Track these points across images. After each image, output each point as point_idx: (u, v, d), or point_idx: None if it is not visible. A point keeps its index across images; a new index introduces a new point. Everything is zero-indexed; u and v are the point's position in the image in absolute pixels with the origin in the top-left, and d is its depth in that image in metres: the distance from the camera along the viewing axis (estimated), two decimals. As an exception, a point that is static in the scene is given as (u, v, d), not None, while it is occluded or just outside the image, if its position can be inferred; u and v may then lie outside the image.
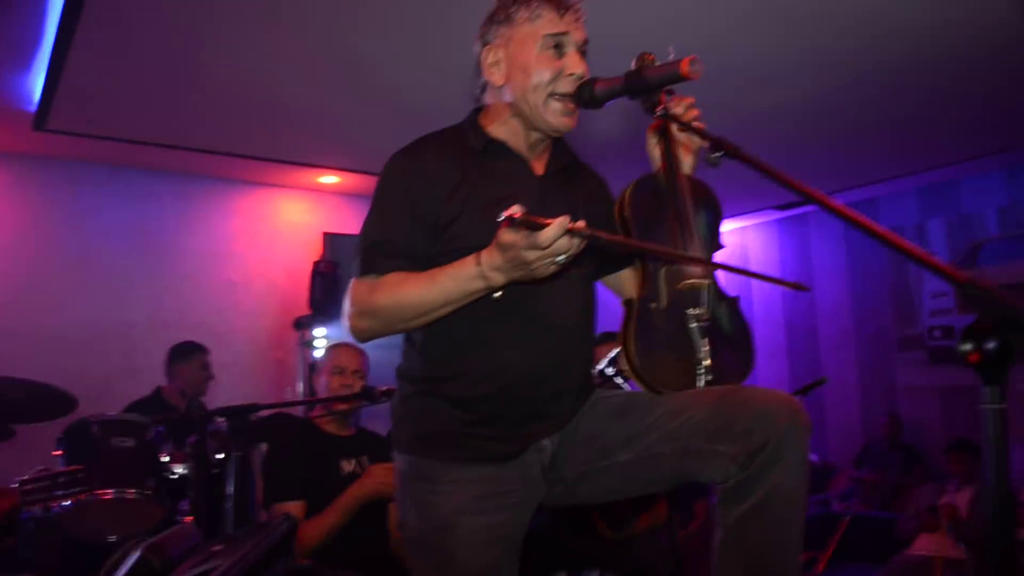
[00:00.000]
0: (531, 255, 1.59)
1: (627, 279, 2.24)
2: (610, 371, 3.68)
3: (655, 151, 2.12)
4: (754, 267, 9.00)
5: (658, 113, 1.69)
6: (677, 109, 1.95)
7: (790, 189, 1.41)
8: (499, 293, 1.74)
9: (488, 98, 2.07)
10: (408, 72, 4.63)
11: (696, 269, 1.97)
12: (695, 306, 1.92)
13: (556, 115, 1.95)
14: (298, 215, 7.12)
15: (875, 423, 7.61)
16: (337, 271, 6.47)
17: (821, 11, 3.98)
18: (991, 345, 1.23)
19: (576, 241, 1.58)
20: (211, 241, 6.68)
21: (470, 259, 1.72)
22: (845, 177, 7.25)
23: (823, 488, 7.56)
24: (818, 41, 4.31)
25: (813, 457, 7.82)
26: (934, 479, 6.48)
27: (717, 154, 1.56)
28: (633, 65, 2.02)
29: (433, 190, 1.91)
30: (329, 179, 6.91)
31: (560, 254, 1.58)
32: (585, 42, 1.98)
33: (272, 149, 6.07)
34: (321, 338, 6.36)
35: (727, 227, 9.05)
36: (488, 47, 2.01)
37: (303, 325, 6.48)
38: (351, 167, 6.55)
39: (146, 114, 5.20)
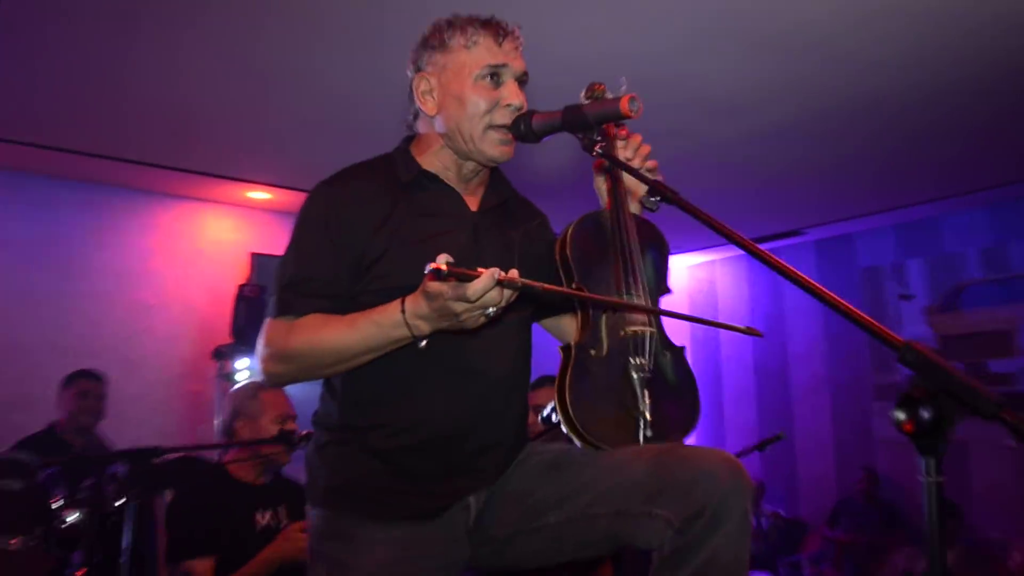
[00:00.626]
0: (458, 307, 1.63)
1: (567, 323, 2.28)
2: (556, 418, 3.74)
3: (602, 188, 2.18)
4: (723, 304, 9.12)
5: (596, 152, 1.75)
6: (625, 152, 2.02)
7: (726, 238, 1.47)
8: (425, 342, 1.78)
9: (420, 127, 2.12)
10: (346, 83, 4.66)
11: (640, 315, 2.02)
12: (637, 355, 1.96)
13: (493, 145, 2.00)
14: (223, 233, 7.09)
15: (851, 478, 7.69)
16: (264, 296, 6.43)
17: (792, 35, 4.10)
18: (926, 414, 1.28)
19: (508, 293, 1.62)
20: (124, 258, 6.61)
21: (394, 305, 1.76)
22: (819, 212, 7.40)
23: (794, 549, 7.63)
24: (790, 67, 4.41)
25: (782, 512, 7.90)
26: (914, 541, 6.54)
27: (655, 198, 1.62)
28: (583, 95, 2.08)
29: (357, 224, 1.94)
30: (258, 195, 6.89)
31: (490, 306, 1.63)
32: (524, 73, 2.04)
33: (197, 160, 6.04)
34: (243, 370, 6.30)
35: (693, 260, 9.18)
36: (420, 75, 2.05)
37: (223, 355, 6.42)
38: (283, 183, 6.55)
39: (55, 117, 5.16)
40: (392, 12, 3.83)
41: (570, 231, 2.04)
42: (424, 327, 1.73)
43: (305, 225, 1.99)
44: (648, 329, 1.99)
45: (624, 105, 1.72)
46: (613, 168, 2.07)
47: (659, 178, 2.09)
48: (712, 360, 9.09)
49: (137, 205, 6.73)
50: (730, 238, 1.53)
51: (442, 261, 1.52)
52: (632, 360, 1.94)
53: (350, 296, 1.94)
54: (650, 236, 2.14)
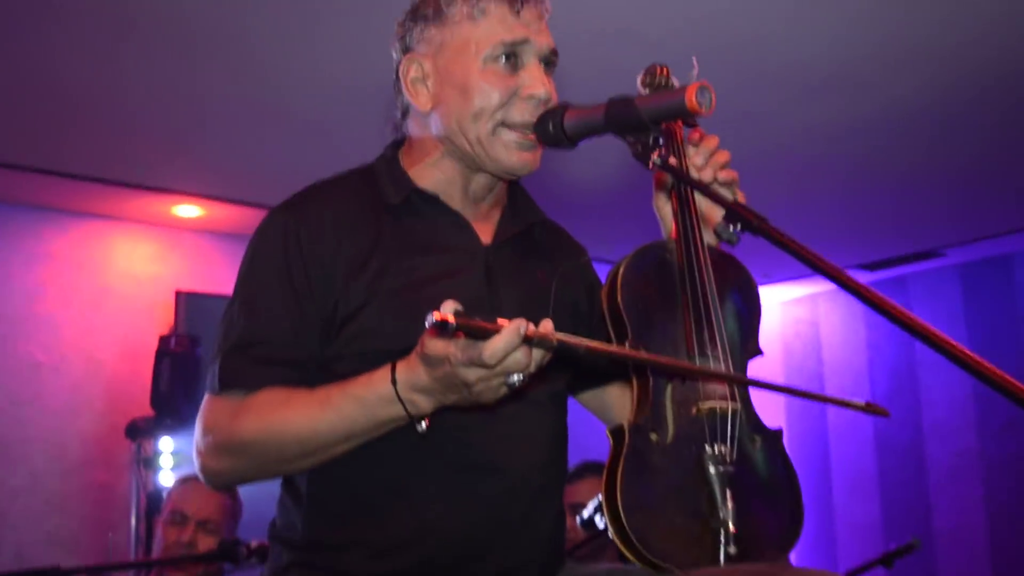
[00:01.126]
0: (472, 374, 1.62)
1: (615, 398, 2.27)
2: (600, 521, 3.72)
3: (665, 210, 2.18)
4: (830, 353, 9.08)
5: (654, 162, 1.75)
6: (695, 160, 2.01)
7: (830, 278, 1.47)
8: (424, 424, 1.77)
9: (412, 127, 2.13)
10: (301, 59, 4.69)
11: (720, 386, 2.01)
12: (716, 442, 1.95)
13: (509, 150, 2.00)
14: (140, 263, 7.11)
15: (1013, 595, 7.63)
16: (196, 350, 6.46)
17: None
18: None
19: (539, 354, 1.61)
20: (2, 298, 6.64)
21: (382, 374, 1.75)
22: (964, 225, 7.39)
23: None
24: (920, 24, 4.43)
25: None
26: None
27: (734, 227, 1.61)
28: (639, 82, 2.09)
29: (329, 265, 1.95)
30: (188, 210, 6.92)
31: (514, 373, 1.62)
32: (553, 52, 2.04)
33: (102, 164, 6.07)
34: (168, 454, 6.31)
35: (789, 293, 9.15)
36: (410, 56, 2.06)
37: (141, 432, 6.42)
38: (219, 194, 6.57)
39: None
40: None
41: (621, 271, 2.04)
42: (424, 403, 1.73)
43: (257, 266, 2.00)
44: (731, 405, 1.99)
45: (691, 98, 1.72)
46: (680, 185, 2.07)
47: (740, 197, 2.09)
48: (817, 433, 9.03)
49: (19, 225, 6.75)
50: (835, 278, 1.53)
51: (448, 310, 1.51)
52: (708, 449, 1.94)
53: (319, 363, 1.94)
54: (734, 277, 2.14)
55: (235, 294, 2.00)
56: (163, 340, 6.44)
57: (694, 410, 1.98)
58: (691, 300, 2.01)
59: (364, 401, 1.77)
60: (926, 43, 4.58)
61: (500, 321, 1.55)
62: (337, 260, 1.94)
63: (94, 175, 6.24)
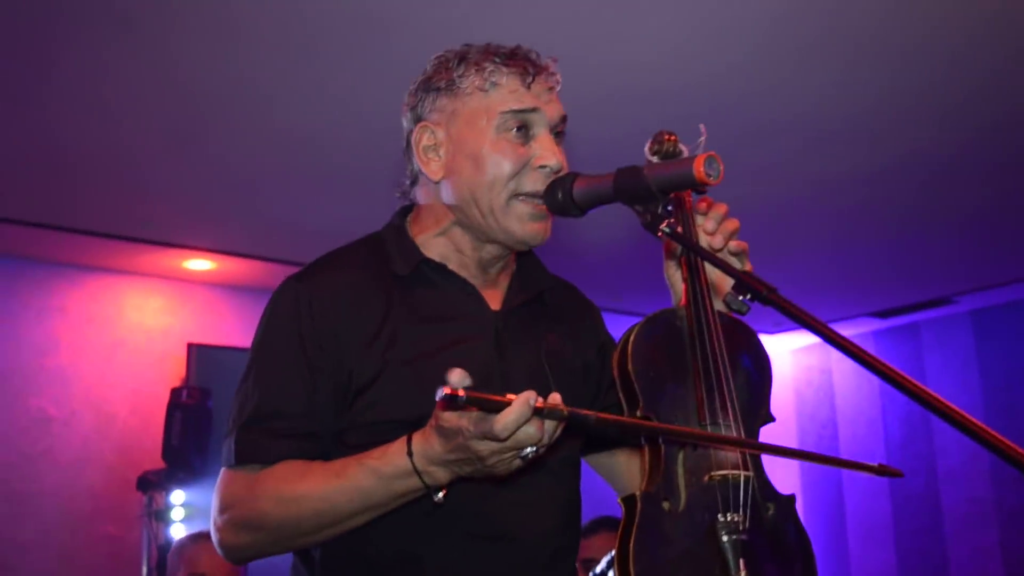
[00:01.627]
0: (484, 447, 1.61)
1: (624, 464, 2.26)
2: (612, 577, 3.69)
3: (675, 278, 2.18)
4: (843, 402, 9.05)
5: (662, 231, 1.75)
6: (707, 225, 2.01)
7: (835, 345, 1.47)
8: (442, 495, 1.76)
9: (421, 195, 2.13)
10: (312, 118, 4.71)
11: (732, 454, 2.00)
12: (729, 510, 1.94)
13: (522, 221, 2.00)
14: (151, 316, 7.13)
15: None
16: (208, 403, 6.46)
17: (933, 39, 4.13)
18: None
19: (551, 426, 1.60)
20: (13, 353, 6.64)
21: (398, 446, 1.74)
22: (975, 273, 7.37)
23: None
24: (927, 81, 4.44)
25: None
26: None
27: (743, 296, 1.61)
28: (648, 148, 2.09)
29: (342, 336, 1.94)
30: (199, 264, 6.94)
31: (527, 445, 1.61)
32: (563, 120, 2.04)
33: (113, 219, 6.09)
34: (179, 507, 6.30)
35: (800, 341, 9.14)
36: (423, 124, 2.06)
37: (152, 485, 6.41)
38: (230, 248, 6.61)
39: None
40: (384, 33, 3.88)
41: (632, 339, 2.01)
42: (440, 475, 1.72)
43: (270, 338, 2.00)
44: (743, 473, 1.97)
45: (699, 169, 1.72)
46: (690, 253, 2.06)
47: (748, 267, 2.09)
48: (831, 481, 8.98)
49: (31, 280, 6.78)
50: (847, 349, 1.52)
51: (457, 382, 1.49)
52: (721, 517, 1.91)
53: (333, 434, 1.94)
54: (745, 344, 2.12)
55: (249, 366, 2.00)
56: (174, 392, 6.45)
57: (706, 478, 1.95)
58: (702, 368, 1.98)
59: (381, 473, 1.76)
60: (934, 93, 4.58)
61: (509, 396, 1.54)
62: (349, 331, 1.95)
63: (106, 231, 6.26)
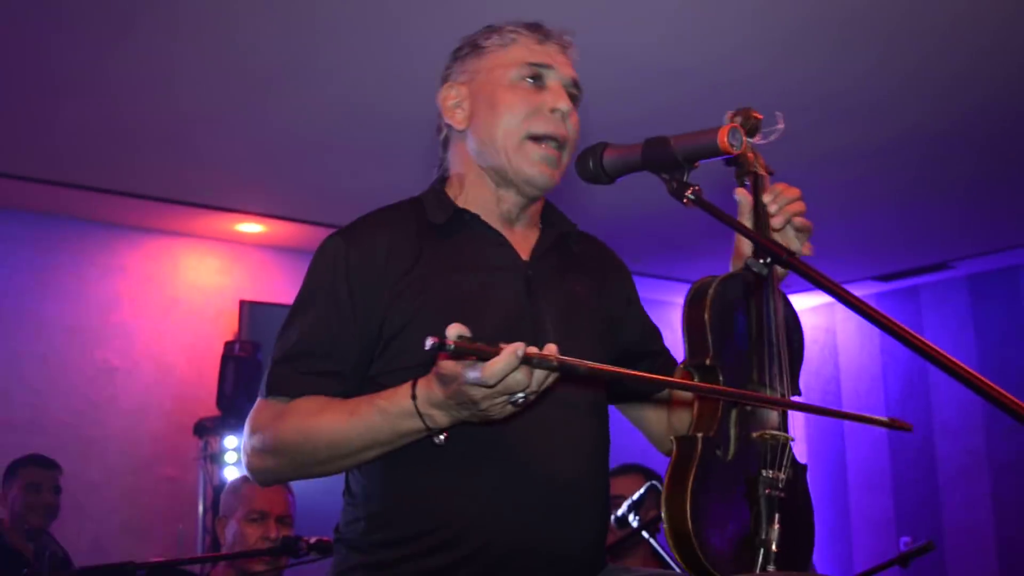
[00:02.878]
0: (476, 392, 1.64)
1: (655, 413, 2.28)
2: (633, 520, 3.68)
3: (743, 246, 2.19)
4: (847, 360, 9.05)
5: (687, 198, 1.76)
6: (771, 205, 2.02)
7: (848, 304, 1.48)
8: (443, 437, 1.80)
9: (452, 158, 2.17)
10: (358, 88, 4.75)
11: (775, 416, 2.02)
12: (771, 467, 1.95)
13: (533, 162, 2.04)
14: (206, 276, 7.20)
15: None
16: (258, 355, 6.51)
17: (936, 19, 4.12)
18: None
19: (540, 374, 1.63)
20: (81, 309, 6.73)
21: (404, 389, 1.78)
22: (971, 239, 7.36)
23: None
24: (932, 57, 4.43)
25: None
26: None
27: (763, 259, 1.63)
28: (729, 114, 2.10)
29: (378, 286, 1.98)
30: (250, 227, 7.01)
31: (516, 391, 1.63)
32: (574, 83, 2.11)
33: (171, 185, 6.17)
34: (232, 451, 6.36)
35: (807, 302, 9.13)
36: (448, 84, 2.14)
37: (207, 431, 6.48)
38: (280, 212, 6.67)
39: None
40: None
41: (712, 291, 2.01)
42: (440, 418, 1.75)
43: (312, 285, 2.05)
44: (785, 436, 1.99)
45: (723, 138, 1.74)
46: (763, 215, 2.06)
47: (806, 248, 2.11)
48: (834, 434, 9.00)
49: (95, 242, 6.87)
50: (857, 307, 1.53)
51: (452, 333, 1.54)
52: (764, 472, 1.93)
53: (367, 377, 1.98)
54: (793, 319, 2.14)
55: (292, 309, 2.05)
56: (228, 346, 6.52)
57: (754, 434, 1.98)
58: (767, 335, 2.01)
59: (387, 412, 1.80)
60: (930, 67, 4.60)
61: (501, 345, 1.56)
62: (384, 282, 1.99)
63: (165, 196, 6.34)
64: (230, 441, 6.36)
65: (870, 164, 5.75)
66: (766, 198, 2.06)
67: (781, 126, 1.94)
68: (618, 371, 1.72)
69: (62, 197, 6.30)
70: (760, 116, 2.09)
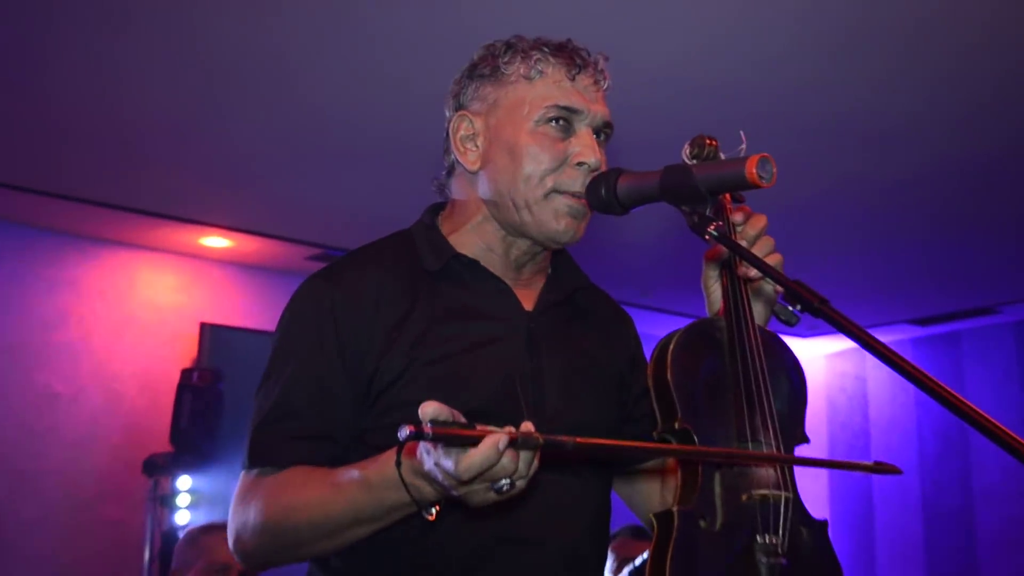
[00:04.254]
0: (451, 481, 1.58)
1: (646, 484, 2.26)
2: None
3: (713, 287, 2.17)
4: (877, 411, 9.02)
5: (710, 234, 1.74)
6: (750, 230, 2.00)
7: (883, 359, 1.46)
8: (434, 511, 1.72)
9: (456, 189, 2.14)
10: (336, 94, 4.72)
11: (770, 472, 2.00)
12: (767, 531, 1.93)
13: (558, 215, 2.00)
14: (164, 293, 7.16)
15: None
16: (219, 385, 6.47)
17: (977, 37, 4.13)
18: None
19: (527, 458, 1.58)
20: (21, 326, 6.68)
21: (389, 455, 1.72)
22: (1020, 283, 7.38)
23: None
24: (975, 84, 4.44)
25: None
26: None
27: (793, 307, 1.61)
28: (686, 151, 2.08)
29: (366, 336, 1.95)
30: (215, 241, 6.97)
31: (501, 479, 1.57)
32: (607, 124, 2.05)
33: (128, 192, 6.12)
34: (186, 492, 6.33)
35: (834, 346, 9.12)
36: (462, 113, 2.07)
37: (159, 469, 6.42)
38: (250, 226, 6.64)
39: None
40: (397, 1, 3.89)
41: (672, 347, 1.99)
42: (428, 490, 1.68)
43: (292, 336, 2.01)
44: (783, 494, 1.96)
45: (751, 170, 1.70)
46: (733, 260, 2.05)
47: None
48: (860, 496, 8.96)
49: (42, 251, 6.81)
50: (894, 363, 1.51)
51: (427, 414, 1.49)
52: (759, 538, 1.91)
53: (355, 435, 1.95)
54: (783, 361, 2.11)
55: (270, 364, 2.01)
56: (185, 373, 6.47)
57: (744, 497, 1.94)
58: (743, 382, 1.98)
59: (370, 484, 1.75)
60: (980, 96, 4.58)
61: (480, 428, 1.52)
62: (374, 330, 1.95)
63: (123, 204, 6.28)
64: (183, 482, 6.33)
65: (906, 191, 5.72)
66: (751, 229, 2.04)
67: (743, 146, 1.91)
68: (609, 443, 1.71)
69: (1, 199, 6.26)
70: (714, 142, 2.04)
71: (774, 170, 1.71)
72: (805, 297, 1.58)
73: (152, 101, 4.86)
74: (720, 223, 1.76)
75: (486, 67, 2.06)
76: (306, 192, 5.96)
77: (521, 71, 2.02)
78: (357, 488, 1.78)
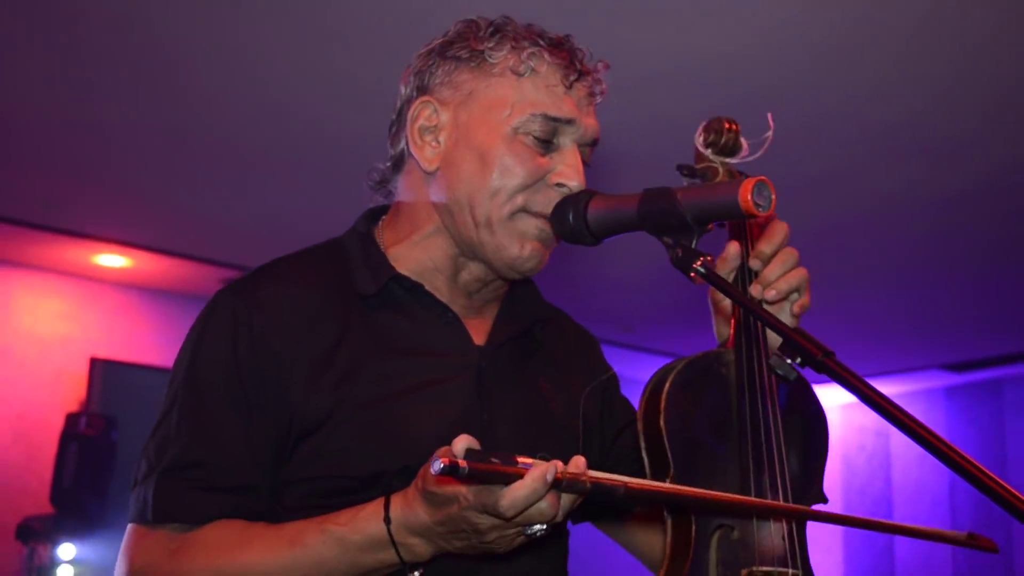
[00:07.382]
0: (484, 522, 1.57)
1: (642, 534, 2.26)
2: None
3: (722, 305, 2.14)
4: (900, 471, 9.05)
5: (696, 271, 1.71)
6: (764, 247, 1.96)
7: (898, 424, 1.47)
8: (418, 573, 1.74)
9: (402, 187, 2.07)
10: (248, 99, 4.76)
11: (776, 544, 1.98)
12: (771, 615, 1.93)
13: (524, 239, 1.92)
14: (46, 322, 7.13)
15: None
16: (112, 434, 6.44)
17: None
18: None
19: (567, 500, 1.57)
20: None
21: (372, 509, 1.71)
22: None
23: None
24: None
25: None
26: None
27: (792, 361, 1.59)
28: (700, 138, 2.07)
29: (285, 366, 1.90)
30: (110, 260, 6.95)
31: (536, 523, 1.57)
32: (595, 139, 2.00)
33: (8, 198, 6.10)
34: (68, 563, 6.28)
35: (851, 396, 9.15)
36: (426, 99, 2.01)
37: (36, 535, 6.39)
38: (150, 242, 6.62)
39: None
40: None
41: (668, 387, 1.96)
42: (421, 549, 1.68)
43: (200, 363, 1.93)
44: (790, 571, 1.95)
45: (745, 196, 1.66)
46: (746, 271, 2.04)
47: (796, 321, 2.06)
48: (883, 564, 9.00)
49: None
50: (911, 431, 1.53)
51: (460, 448, 1.46)
52: None
53: (272, 491, 1.92)
54: (801, 404, 2.10)
55: (171, 397, 1.93)
56: (70, 419, 6.44)
57: (744, 574, 1.96)
58: (751, 432, 1.97)
59: (346, 543, 1.71)
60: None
61: (522, 460, 1.48)
62: (295, 360, 1.88)
63: (-2, 212, 6.28)
64: (66, 551, 6.29)
65: (944, 216, 5.78)
66: (753, 263, 2.01)
67: (770, 132, 1.89)
68: (663, 488, 1.69)
69: None
70: (735, 126, 2.03)
71: (772, 196, 1.66)
72: (808, 350, 1.57)
73: (33, 90, 4.86)
74: (709, 257, 1.73)
75: (464, 49, 1.98)
76: (220, 203, 5.95)
77: (510, 63, 1.95)
78: (327, 547, 1.74)
